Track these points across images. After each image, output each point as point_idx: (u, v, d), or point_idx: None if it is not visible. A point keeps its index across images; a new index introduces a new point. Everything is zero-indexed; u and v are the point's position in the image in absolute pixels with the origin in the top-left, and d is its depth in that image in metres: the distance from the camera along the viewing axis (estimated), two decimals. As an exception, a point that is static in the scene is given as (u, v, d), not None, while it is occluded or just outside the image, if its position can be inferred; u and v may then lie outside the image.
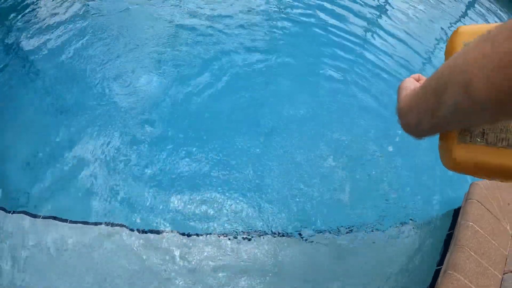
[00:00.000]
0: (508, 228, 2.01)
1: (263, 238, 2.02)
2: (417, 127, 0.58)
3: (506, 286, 1.73)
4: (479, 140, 0.61)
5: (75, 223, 1.91)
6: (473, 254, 1.80)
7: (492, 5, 5.80)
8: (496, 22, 5.25)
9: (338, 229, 2.16)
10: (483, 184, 2.18)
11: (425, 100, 0.52)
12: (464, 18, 5.04)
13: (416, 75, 0.75)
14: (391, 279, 2.01)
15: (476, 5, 5.55)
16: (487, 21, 5.19)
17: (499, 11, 5.74)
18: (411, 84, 0.67)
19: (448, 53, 0.69)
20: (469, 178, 2.38)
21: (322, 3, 3.89)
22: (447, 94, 0.44)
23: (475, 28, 0.67)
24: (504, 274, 1.78)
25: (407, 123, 0.60)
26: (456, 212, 2.20)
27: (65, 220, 1.93)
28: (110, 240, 1.86)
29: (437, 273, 1.89)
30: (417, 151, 2.71)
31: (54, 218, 1.92)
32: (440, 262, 1.95)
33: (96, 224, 1.93)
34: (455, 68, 0.43)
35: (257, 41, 3.16)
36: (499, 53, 0.36)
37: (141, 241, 1.89)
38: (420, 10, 4.64)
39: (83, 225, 1.91)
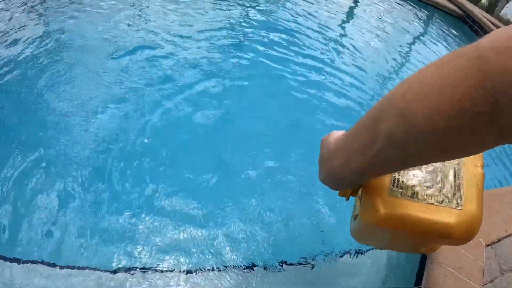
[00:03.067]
0: (481, 240, 1.98)
1: (228, 271, 1.88)
2: (341, 170, 0.54)
3: (487, 299, 1.67)
4: (409, 194, 0.61)
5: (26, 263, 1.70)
6: (451, 269, 1.75)
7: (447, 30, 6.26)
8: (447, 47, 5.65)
9: (304, 258, 2.06)
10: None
11: (356, 137, 0.49)
12: (423, 36, 5.40)
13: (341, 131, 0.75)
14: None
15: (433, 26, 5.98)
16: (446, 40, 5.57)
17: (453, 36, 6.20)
18: (337, 132, 0.64)
19: None
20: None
21: (276, 36, 4.03)
22: (382, 125, 0.41)
23: None
24: (483, 285, 1.73)
25: (330, 168, 0.57)
26: (429, 229, 2.17)
27: (18, 261, 1.71)
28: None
29: (417, 293, 1.81)
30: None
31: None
32: (417, 282, 1.88)
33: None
34: (390, 97, 0.41)
35: (215, 70, 3.18)
36: (440, 77, 0.34)
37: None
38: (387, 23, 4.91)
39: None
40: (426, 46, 5.65)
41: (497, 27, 7.39)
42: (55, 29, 3.16)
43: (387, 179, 0.63)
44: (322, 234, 2.20)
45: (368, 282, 2.01)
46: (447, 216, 0.60)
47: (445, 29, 6.93)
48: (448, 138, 0.35)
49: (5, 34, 2.95)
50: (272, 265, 1.96)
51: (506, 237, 2.10)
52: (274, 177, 2.45)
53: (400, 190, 0.62)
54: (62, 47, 2.98)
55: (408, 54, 5.13)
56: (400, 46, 5.24)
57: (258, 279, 1.89)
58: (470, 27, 7.60)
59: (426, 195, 0.61)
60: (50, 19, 3.28)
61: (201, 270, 1.86)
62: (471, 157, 0.66)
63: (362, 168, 0.49)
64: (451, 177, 0.64)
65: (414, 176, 0.64)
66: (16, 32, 3.00)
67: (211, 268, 1.88)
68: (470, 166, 0.66)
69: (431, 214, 0.60)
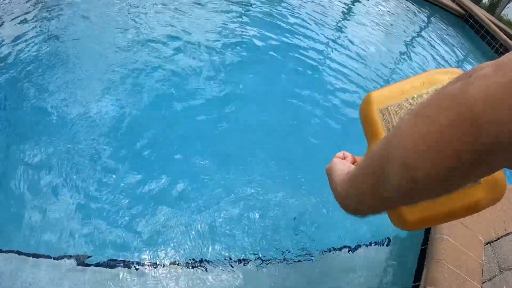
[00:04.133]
0: (480, 237, 1.98)
1: (225, 266, 1.87)
2: (360, 208, 0.55)
3: (486, 298, 1.67)
4: None
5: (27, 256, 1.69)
6: (450, 267, 1.74)
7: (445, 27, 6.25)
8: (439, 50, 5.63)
9: (305, 253, 2.05)
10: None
11: (365, 180, 0.49)
12: (418, 37, 5.39)
13: (340, 153, 0.75)
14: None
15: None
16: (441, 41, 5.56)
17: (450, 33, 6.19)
18: (342, 165, 0.65)
19: (364, 120, 0.71)
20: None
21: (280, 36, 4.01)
22: (385, 176, 0.42)
23: (386, 92, 0.68)
24: (482, 283, 1.73)
25: (347, 206, 0.58)
26: (428, 227, 2.16)
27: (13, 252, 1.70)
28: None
29: (416, 291, 1.80)
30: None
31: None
32: (416, 279, 1.87)
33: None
34: (390, 149, 0.41)
35: (216, 67, 3.15)
36: (435, 130, 0.35)
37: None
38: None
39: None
40: (427, 43, 5.64)
41: (498, 27, 7.39)
42: (55, 18, 3.13)
43: None
44: (321, 229, 2.20)
45: (367, 278, 2.00)
46: (471, 197, 0.59)
47: (446, 28, 6.92)
48: (451, 182, 0.37)
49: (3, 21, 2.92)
50: (272, 259, 1.96)
51: (505, 235, 2.10)
52: (273, 171, 2.44)
53: None
54: (63, 38, 2.95)
55: (409, 52, 5.12)
56: (400, 43, 5.23)
57: (257, 272, 1.88)
58: (471, 26, 7.59)
59: None
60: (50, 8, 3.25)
61: (194, 265, 1.85)
62: None
63: (377, 207, 0.50)
64: None
65: None
66: (15, 19, 2.97)
67: (207, 262, 1.87)
68: None
69: (456, 202, 0.59)
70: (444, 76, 0.64)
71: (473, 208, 0.61)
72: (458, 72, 0.64)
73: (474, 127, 0.31)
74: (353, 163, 0.70)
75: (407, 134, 0.38)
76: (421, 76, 0.66)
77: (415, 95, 0.64)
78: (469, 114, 0.32)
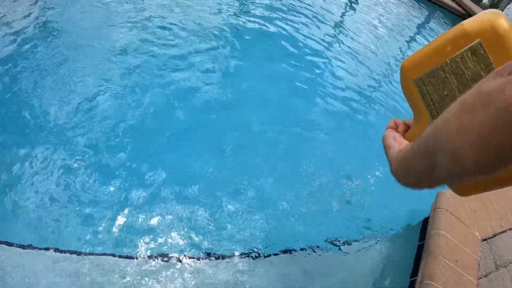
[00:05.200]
0: (477, 234, 1.99)
1: (228, 259, 1.87)
2: (417, 185, 0.57)
3: (482, 293, 1.68)
4: None
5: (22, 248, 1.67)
6: (447, 262, 1.75)
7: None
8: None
9: (304, 248, 2.05)
10: (450, 193, 2.19)
11: (419, 163, 0.53)
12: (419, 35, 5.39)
13: (392, 123, 0.74)
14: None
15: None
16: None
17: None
18: (393, 141, 0.66)
19: (403, 91, 0.68)
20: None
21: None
22: (437, 161, 0.46)
23: (417, 59, 0.64)
24: (479, 279, 1.74)
25: (407, 184, 0.60)
26: (425, 222, 2.17)
27: (11, 244, 1.68)
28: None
29: (411, 284, 1.81)
30: (380, 167, 2.72)
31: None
32: (414, 273, 1.88)
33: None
34: (439, 138, 0.45)
35: (217, 62, 3.13)
36: (478, 124, 0.38)
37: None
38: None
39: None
40: (427, 41, 5.64)
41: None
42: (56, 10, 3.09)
43: None
44: (320, 225, 2.20)
45: (365, 273, 2.01)
46: None
47: (446, 27, 6.92)
48: (498, 166, 0.39)
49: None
50: (272, 253, 1.96)
51: (501, 232, 2.12)
52: (272, 166, 2.43)
53: None
54: (62, 31, 2.91)
55: (408, 48, 5.13)
56: (400, 40, 5.22)
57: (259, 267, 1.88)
58: (471, 26, 7.61)
59: None
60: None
61: (199, 258, 1.85)
62: None
63: (434, 184, 0.53)
64: None
65: None
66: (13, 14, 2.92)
67: (208, 256, 1.87)
68: None
69: (505, 173, 0.56)
70: (474, 25, 0.58)
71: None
72: (487, 14, 0.58)
73: (509, 126, 0.35)
74: (406, 130, 0.71)
75: (454, 127, 0.41)
76: (449, 34, 0.61)
77: (447, 61, 0.61)
78: (504, 113, 0.35)
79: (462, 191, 0.62)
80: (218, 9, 3.89)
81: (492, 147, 0.37)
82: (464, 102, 0.41)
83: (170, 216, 1.96)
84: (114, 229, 1.83)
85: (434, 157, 0.46)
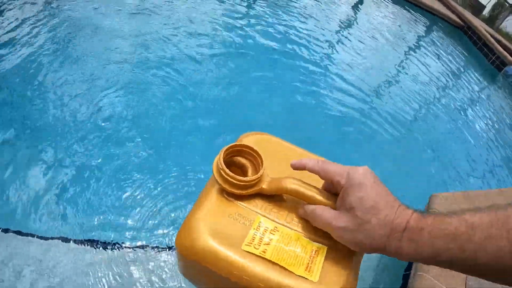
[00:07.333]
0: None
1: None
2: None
3: (471, 285, 1.84)
4: None
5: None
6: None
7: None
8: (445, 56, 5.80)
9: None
10: (443, 195, 2.35)
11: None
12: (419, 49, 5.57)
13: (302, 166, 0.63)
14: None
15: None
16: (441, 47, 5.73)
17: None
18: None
19: None
20: (429, 190, 2.54)
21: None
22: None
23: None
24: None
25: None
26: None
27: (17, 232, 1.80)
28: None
29: (405, 278, 1.97)
30: (376, 167, 2.88)
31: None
32: (407, 268, 2.04)
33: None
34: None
35: (223, 68, 3.31)
36: (504, 256, 0.42)
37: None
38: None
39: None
40: (425, 53, 5.83)
41: (496, 39, 7.59)
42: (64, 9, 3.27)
43: None
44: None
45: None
46: None
47: (444, 38, 7.11)
48: None
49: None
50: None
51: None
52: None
53: None
54: (71, 27, 3.08)
55: (406, 60, 5.30)
56: (398, 51, 5.40)
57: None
58: (470, 38, 7.80)
59: None
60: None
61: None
62: None
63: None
64: None
65: None
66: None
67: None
68: None
69: None
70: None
71: None
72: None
73: None
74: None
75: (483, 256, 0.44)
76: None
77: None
78: None
79: None
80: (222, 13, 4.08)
81: None
82: (490, 229, 0.45)
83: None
84: (147, 221, 1.98)
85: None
